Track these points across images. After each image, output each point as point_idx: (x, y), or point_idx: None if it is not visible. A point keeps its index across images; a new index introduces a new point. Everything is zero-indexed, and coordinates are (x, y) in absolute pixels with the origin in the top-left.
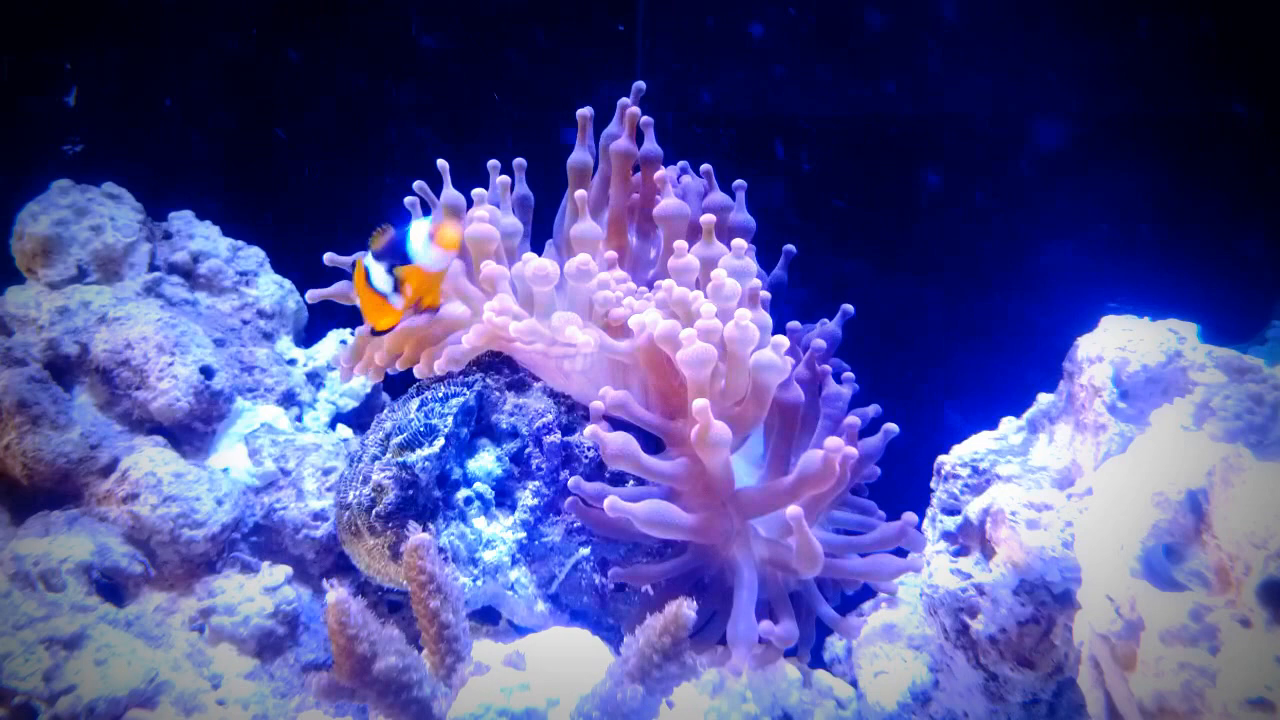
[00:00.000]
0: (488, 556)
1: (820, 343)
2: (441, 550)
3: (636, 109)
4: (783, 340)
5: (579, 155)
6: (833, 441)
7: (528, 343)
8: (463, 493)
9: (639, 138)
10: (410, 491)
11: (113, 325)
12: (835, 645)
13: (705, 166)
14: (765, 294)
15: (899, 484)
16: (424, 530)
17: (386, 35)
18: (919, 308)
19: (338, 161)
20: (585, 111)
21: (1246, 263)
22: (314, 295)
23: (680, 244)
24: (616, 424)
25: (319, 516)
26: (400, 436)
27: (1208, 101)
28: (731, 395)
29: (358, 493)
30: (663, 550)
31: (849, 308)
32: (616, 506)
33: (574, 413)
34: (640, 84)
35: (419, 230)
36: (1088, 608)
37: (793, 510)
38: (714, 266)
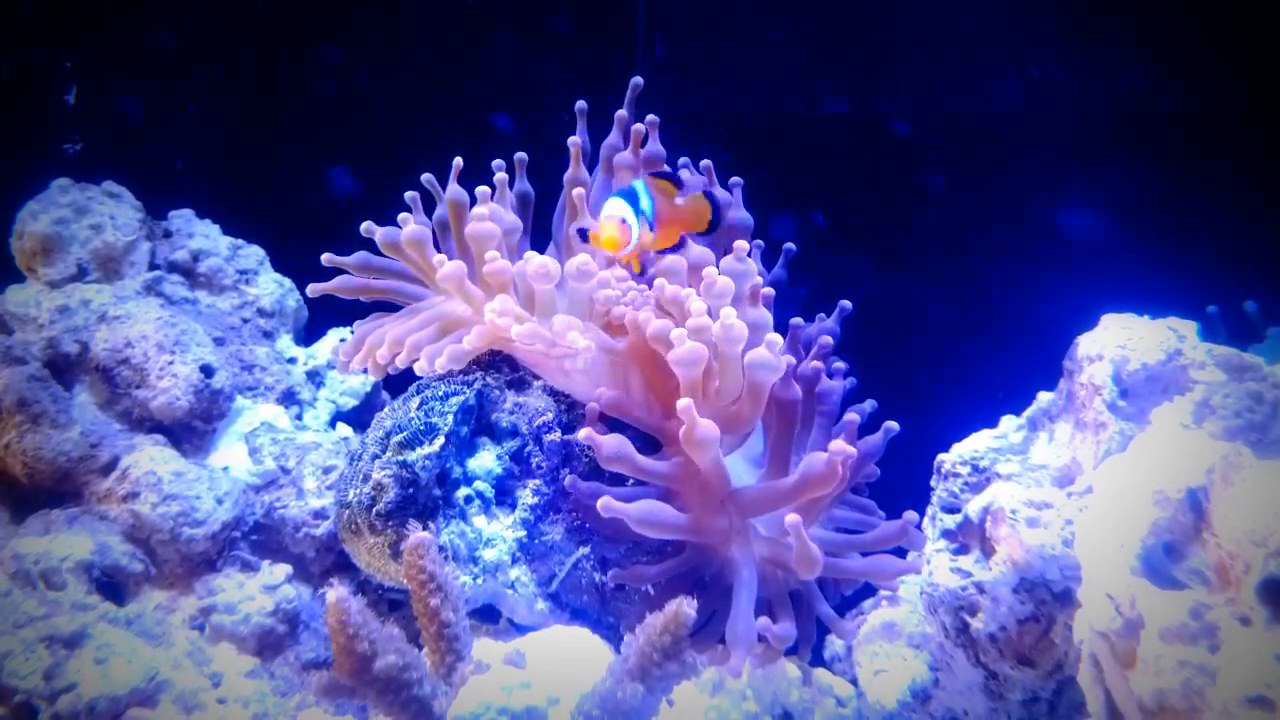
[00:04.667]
0: (488, 555)
1: (827, 340)
2: (442, 549)
3: (641, 126)
4: (777, 338)
5: (577, 141)
6: (838, 445)
7: (529, 345)
8: (463, 491)
9: (643, 140)
10: (410, 490)
11: (113, 324)
12: (835, 643)
13: (705, 162)
14: (769, 290)
15: (899, 482)
16: (424, 529)
17: (387, 33)
18: (919, 305)
19: (338, 159)
20: (581, 105)
21: (1246, 260)
22: (315, 289)
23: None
24: (614, 424)
25: (319, 515)
26: (400, 435)
27: (1207, 100)
28: (726, 394)
29: (358, 491)
30: (663, 549)
31: (847, 304)
32: (610, 507)
33: (574, 411)
34: (638, 80)
35: (605, 211)
36: (1088, 606)
37: (791, 519)
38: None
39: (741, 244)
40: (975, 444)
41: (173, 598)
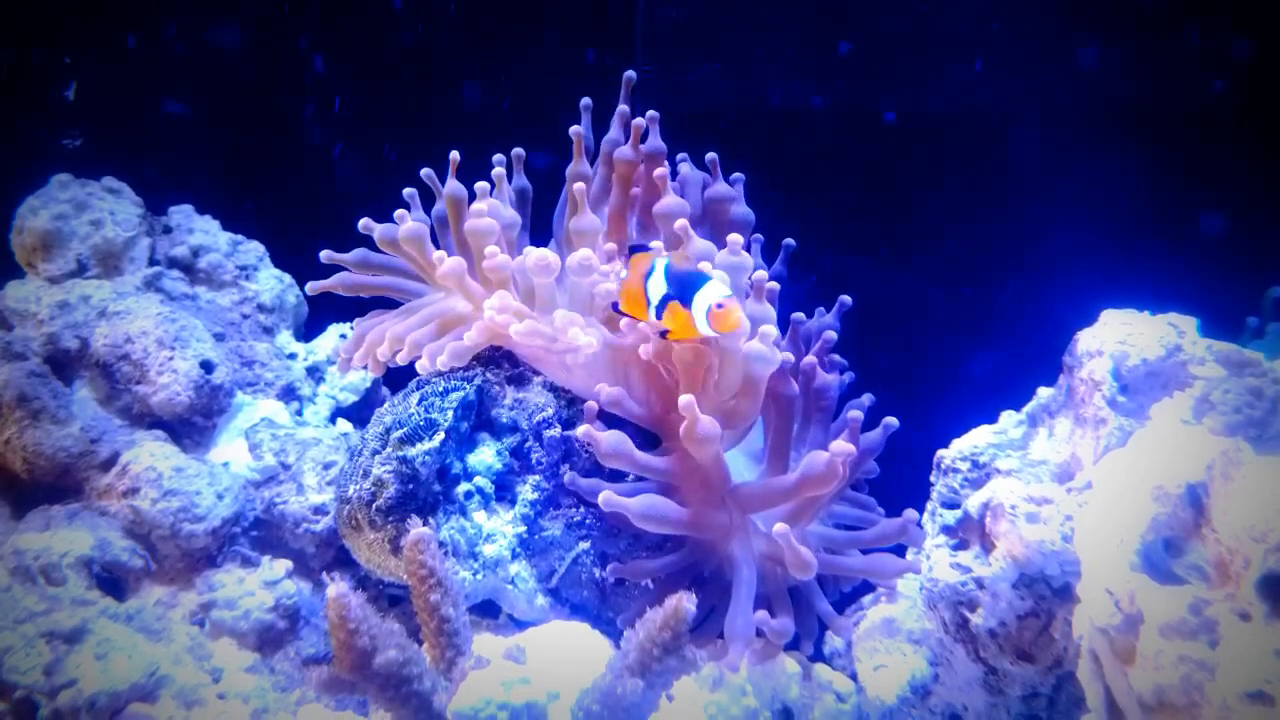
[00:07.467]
0: (488, 550)
1: (830, 335)
2: (441, 544)
3: (642, 120)
4: (772, 330)
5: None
6: (839, 445)
7: (529, 342)
8: (463, 487)
9: (643, 135)
10: (410, 486)
11: (113, 319)
12: (835, 639)
13: (710, 156)
14: (774, 285)
15: (898, 478)
16: (424, 524)
17: (387, 31)
18: (919, 301)
19: (338, 156)
20: (586, 101)
21: (1245, 257)
22: (314, 287)
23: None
24: (615, 420)
25: (319, 510)
26: (400, 431)
27: (1206, 97)
28: (725, 389)
29: (358, 487)
30: (663, 544)
31: (846, 299)
32: (611, 502)
33: (574, 407)
34: (630, 74)
35: (708, 295)
36: (1087, 601)
37: (779, 528)
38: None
39: (736, 237)
40: (975, 439)
41: (173, 593)
